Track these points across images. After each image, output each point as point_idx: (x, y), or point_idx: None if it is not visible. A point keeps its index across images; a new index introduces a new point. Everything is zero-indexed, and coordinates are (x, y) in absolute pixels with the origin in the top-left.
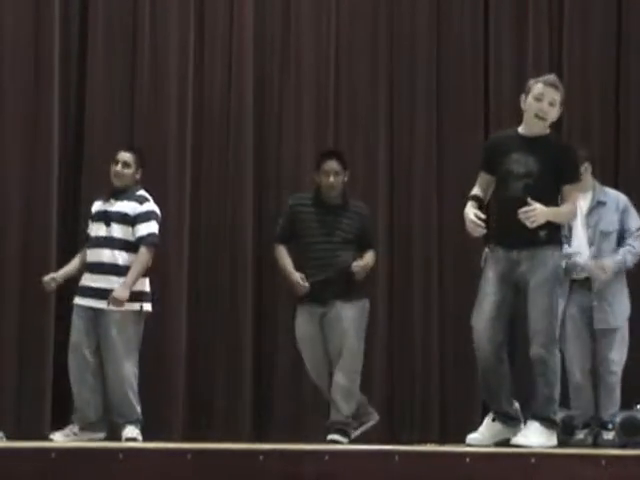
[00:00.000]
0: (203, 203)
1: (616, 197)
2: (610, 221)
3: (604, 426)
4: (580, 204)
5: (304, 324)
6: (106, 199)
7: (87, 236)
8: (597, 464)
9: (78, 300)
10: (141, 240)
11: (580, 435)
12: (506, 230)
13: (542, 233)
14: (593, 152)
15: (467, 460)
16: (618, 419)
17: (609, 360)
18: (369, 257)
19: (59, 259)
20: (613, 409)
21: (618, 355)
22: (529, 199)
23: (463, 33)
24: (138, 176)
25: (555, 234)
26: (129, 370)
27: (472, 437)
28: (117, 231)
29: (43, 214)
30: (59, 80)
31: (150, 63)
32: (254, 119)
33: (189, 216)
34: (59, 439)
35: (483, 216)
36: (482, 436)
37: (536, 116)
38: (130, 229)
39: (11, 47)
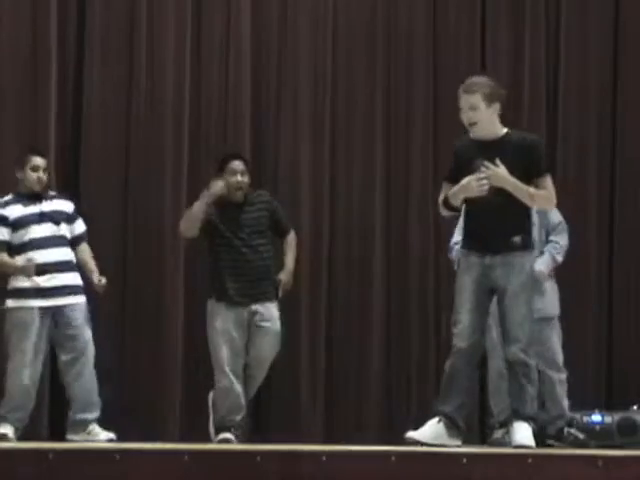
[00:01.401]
0: None
1: None
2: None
3: (571, 424)
4: None
5: (227, 321)
6: (25, 202)
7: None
8: (594, 464)
9: (38, 302)
10: (82, 237)
11: (497, 434)
12: (479, 236)
13: (516, 238)
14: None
15: (464, 461)
16: (614, 420)
17: (552, 354)
18: (290, 255)
19: None
20: (567, 402)
21: (558, 347)
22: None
23: (460, 37)
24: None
25: (529, 239)
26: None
27: (411, 434)
28: (64, 230)
29: None
30: (56, 82)
31: (147, 67)
32: (251, 123)
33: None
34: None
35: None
36: (422, 435)
37: (467, 125)
38: (68, 227)
39: (8, 50)
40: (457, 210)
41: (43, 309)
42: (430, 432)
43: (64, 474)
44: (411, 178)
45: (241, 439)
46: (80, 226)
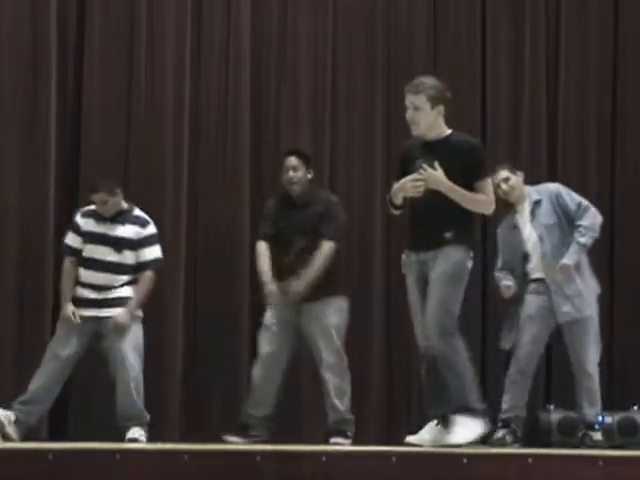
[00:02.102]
0: (200, 207)
1: (546, 190)
2: (549, 214)
3: (591, 427)
4: (521, 220)
5: (277, 317)
6: (99, 219)
7: (71, 250)
8: (594, 464)
9: (80, 311)
10: (148, 265)
11: (498, 434)
12: (416, 234)
13: (448, 234)
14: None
15: (464, 461)
16: (615, 420)
17: (582, 361)
18: (319, 256)
19: (57, 259)
20: (596, 409)
21: (591, 352)
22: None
23: (460, 33)
24: (121, 198)
25: (463, 235)
26: (139, 374)
27: (411, 438)
28: (126, 257)
29: (41, 214)
30: (56, 80)
31: (147, 68)
32: (251, 121)
33: (186, 218)
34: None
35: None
36: (421, 439)
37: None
38: (134, 253)
39: (8, 50)
40: (402, 208)
41: (84, 317)
42: (429, 436)
43: (64, 474)
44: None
45: (263, 438)
46: (147, 254)
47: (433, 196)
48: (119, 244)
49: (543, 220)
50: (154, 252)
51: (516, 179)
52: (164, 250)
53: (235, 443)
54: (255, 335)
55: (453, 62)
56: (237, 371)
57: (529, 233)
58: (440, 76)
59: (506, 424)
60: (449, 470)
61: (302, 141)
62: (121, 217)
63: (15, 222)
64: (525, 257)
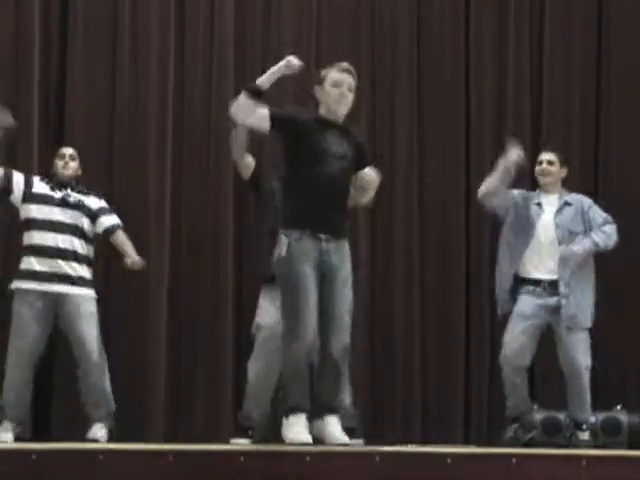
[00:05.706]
0: (183, 204)
1: (579, 199)
2: (576, 222)
3: (578, 426)
4: (546, 207)
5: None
6: (55, 186)
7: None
8: (578, 464)
9: (34, 285)
10: (116, 227)
11: (510, 432)
12: (318, 217)
13: (346, 223)
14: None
15: (448, 461)
16: (598, 420)
17: (576, 361)
18: None
19: None
20: (585, 409)
21: (584, 356)
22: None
23: (444, 34)
24: (80, 172)
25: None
26: (104, 358)
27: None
28: (82, 222)
29: None
30: (39, 80)
31: (131, 67)
32: None
33: (170, 216)
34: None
35: None
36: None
37: (345, 107)
38: (89, 221)
39: None
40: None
41: (39, 293)
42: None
43: (47, 475)
44: (396, 177)
45: (260, 439)
46: (110, 220)
47: (344, 181)
48: (78, 208)
49: (570, 225)
50: (115, 218)
51: (559, 169)
52: (148, 246)
53: (242, 445)
54: (238, 335)
55: (437, 63)
56: (221, 371)
57: (548, 223)
58: (423, 77)
59: (515, 420)
60: (433, 470)
61: None
62: (76, 188)
63: None
64: (531, 241)
